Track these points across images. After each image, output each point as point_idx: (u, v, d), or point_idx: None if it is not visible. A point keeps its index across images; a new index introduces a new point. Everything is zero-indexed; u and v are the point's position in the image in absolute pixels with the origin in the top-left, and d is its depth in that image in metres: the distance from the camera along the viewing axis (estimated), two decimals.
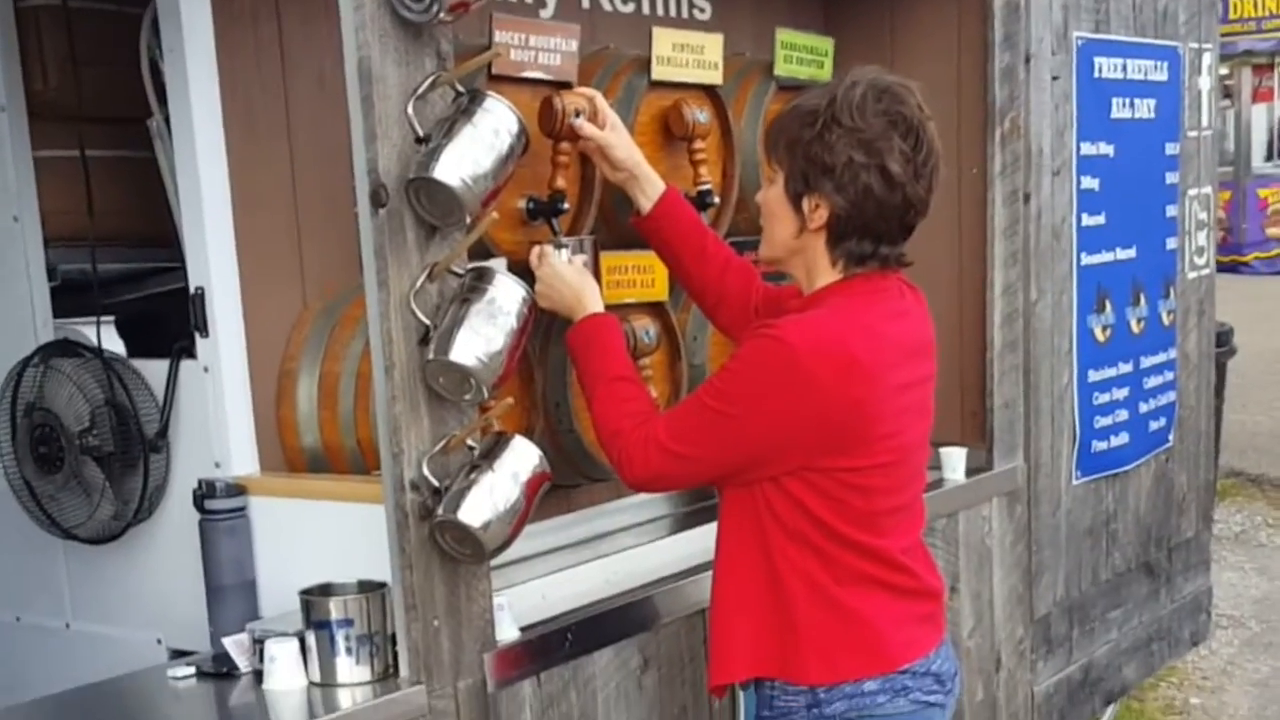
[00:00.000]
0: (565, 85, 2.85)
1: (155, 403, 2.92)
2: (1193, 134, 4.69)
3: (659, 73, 3.09)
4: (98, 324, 2.99)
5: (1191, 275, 4.77)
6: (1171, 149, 4.51)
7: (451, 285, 2.42)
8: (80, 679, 2.71)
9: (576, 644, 2.69)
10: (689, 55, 3.14)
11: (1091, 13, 4.10)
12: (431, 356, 2.36)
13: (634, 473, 2.43)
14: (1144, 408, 4.44)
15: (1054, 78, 3.90)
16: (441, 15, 2.29)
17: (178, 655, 2.84)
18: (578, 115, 2.74)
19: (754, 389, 2.30)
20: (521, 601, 2.72)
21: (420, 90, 2.34)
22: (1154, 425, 4.51)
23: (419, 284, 2.37)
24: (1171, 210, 4.55)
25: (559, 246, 2.72)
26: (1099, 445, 4.23)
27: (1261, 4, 17.46)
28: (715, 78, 3.21)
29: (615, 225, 3.02)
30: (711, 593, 2.51)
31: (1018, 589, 3.92)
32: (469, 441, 2.43)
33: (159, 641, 2.96)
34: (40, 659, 3.20)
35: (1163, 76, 4.39)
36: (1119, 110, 4.19)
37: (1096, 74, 4.07)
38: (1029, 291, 3.88)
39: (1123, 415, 4.32)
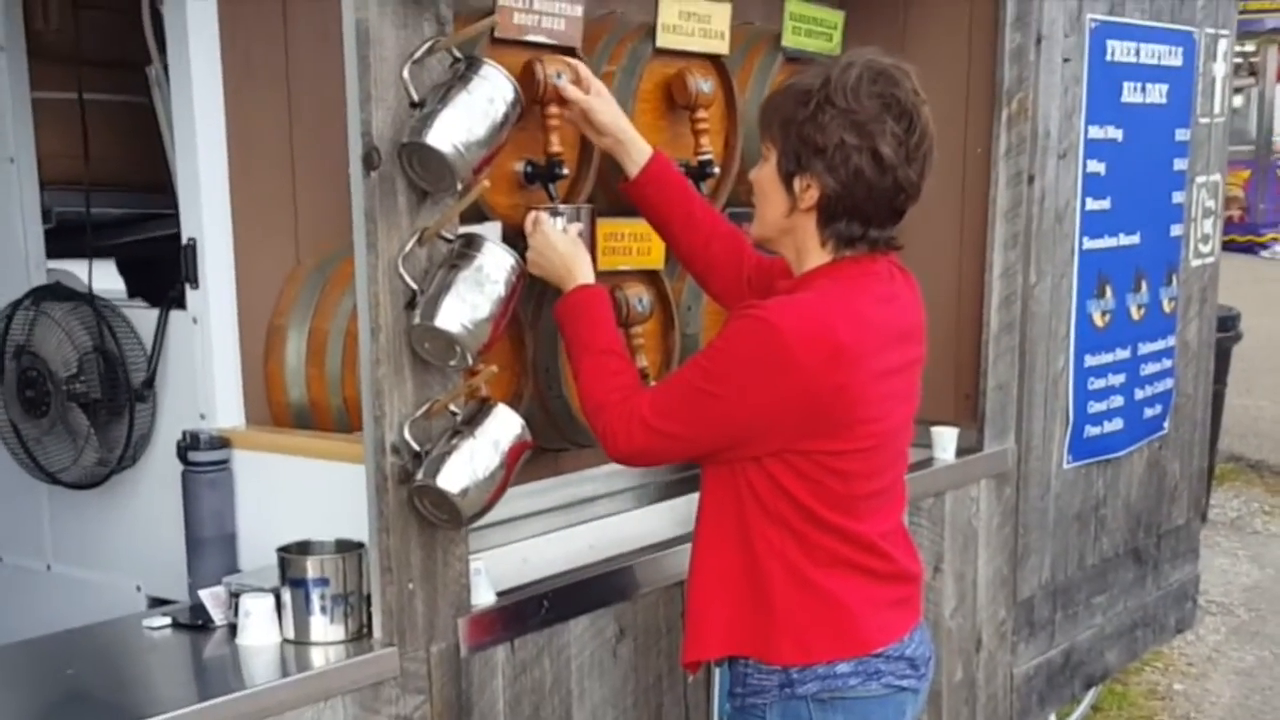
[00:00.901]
0: (569, 50, 2.82)
1: (143, 351, 2.92)
2: (1204, 120, 4.64)
3: (664, 40, 3.05)
4: (89, 268, 2.99)
5: (1195, 263, 4.73)
6: (1182, 135, 4.47)
7: (441, 251, 2.41)
8: (59, 621, 2.72)
9: (552, 611, 2.69)
10: (695, 24, 3.11)
11: None
12: (417, 321, 2.35)
13: (617, 447, 2.43)
14: (1140, 394, 4.41)
15: (1065, 60, 3.86)
16: None
17: (157, 603, 2.86)
18: (559, 76, 2.71)
19: (738, 369, 2.29)
20: (502, 564, 2.73)
21: (417, 55, 2.33)
22: (1149, 412, 4.49)
23: (408, 248, 2.36)
24: (1178, 197, 4.51)
25: (555, 214, 2.70)
26: (1092, 430, 4.21)
27: None
28: (721, 47, 3.18)
29: (614, 192, 3.00)
30: (689, 570, 2.51)
31: (1002, 571, 3.92)
32: (452, 407, 2.43)
33: (138, 589, 2.98)
34: (20, 600, 3.21)
35: (1177, 61, 4.35)
36: (1130, 94, 4.14)
37: (1109, 57, 4.03)
38: (1028, 274, 3.85)
39: (1118, 401, 4.30)
